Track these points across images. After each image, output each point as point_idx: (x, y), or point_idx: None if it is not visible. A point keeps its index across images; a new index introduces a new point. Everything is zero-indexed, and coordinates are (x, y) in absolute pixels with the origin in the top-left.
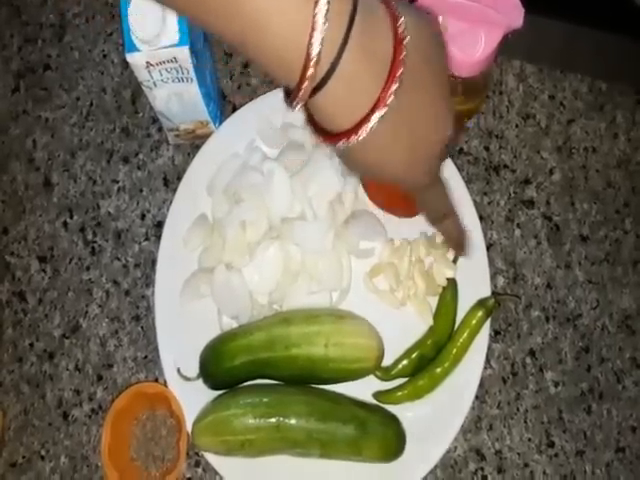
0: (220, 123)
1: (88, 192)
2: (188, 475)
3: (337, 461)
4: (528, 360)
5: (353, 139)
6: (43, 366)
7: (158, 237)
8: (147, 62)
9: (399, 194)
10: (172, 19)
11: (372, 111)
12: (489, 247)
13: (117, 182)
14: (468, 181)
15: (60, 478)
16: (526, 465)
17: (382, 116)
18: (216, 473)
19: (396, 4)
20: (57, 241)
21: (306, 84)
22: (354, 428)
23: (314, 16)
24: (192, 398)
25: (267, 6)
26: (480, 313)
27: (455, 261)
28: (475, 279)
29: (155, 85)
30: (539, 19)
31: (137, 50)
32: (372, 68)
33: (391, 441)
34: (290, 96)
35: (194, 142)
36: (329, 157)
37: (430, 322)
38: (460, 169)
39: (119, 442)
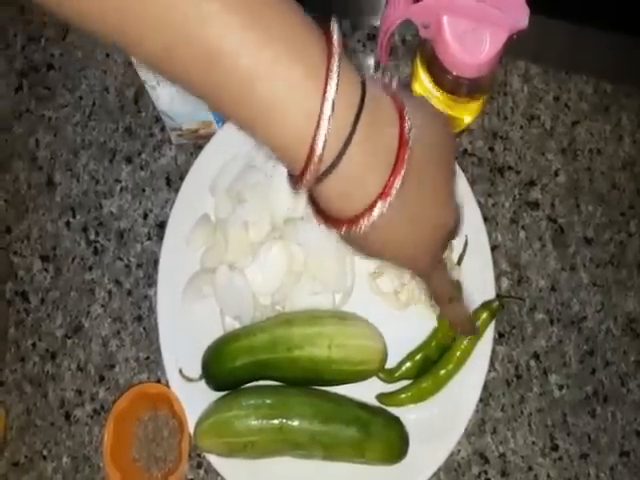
0: (223, 123)
1: (91, 191)
2: (190, 476)
3: (340, 463)
4: (532, 363)
5: (354, 229)
6: (45, 366)
7: (160, 237)
8: None
9: None
10: None
11: (373, 204)
12: (493, 249)
13: (120, 182)
14: (473, 182)
15: (62, 478)
16: (530, 468)
17: (382, 210)
18: (218, 475)
19: (403, 96)
20: (60, 240)
21: (308, 176)
22: (357, 430)
23: (320, 115)
24: (194, 399)
25: (276, 96)
26: (484, 315)
27: (459, 263)
28: (479, 281)
29: (158, 84)
30: (544, 20)
31: None
32: (376, 163)
33: (394, 443)
34: (293, 180)
35: (197, 142)
36: None
37: (434, 324)
38: (465, 170)
39: (121, 443)
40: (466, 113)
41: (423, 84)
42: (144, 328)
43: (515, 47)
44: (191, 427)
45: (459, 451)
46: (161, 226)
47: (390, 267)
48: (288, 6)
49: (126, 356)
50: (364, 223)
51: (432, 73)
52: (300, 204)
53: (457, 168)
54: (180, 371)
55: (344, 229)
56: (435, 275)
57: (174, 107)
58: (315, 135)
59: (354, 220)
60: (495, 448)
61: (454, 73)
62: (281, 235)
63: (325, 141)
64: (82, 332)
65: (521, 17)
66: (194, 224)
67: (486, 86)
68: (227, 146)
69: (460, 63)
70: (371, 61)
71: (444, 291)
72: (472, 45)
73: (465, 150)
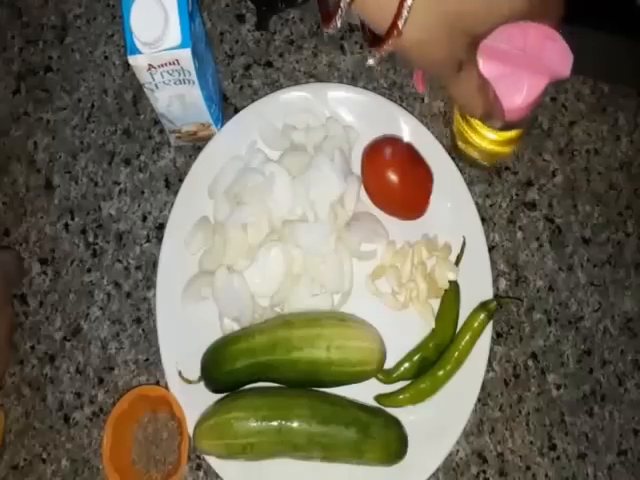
0: (222, 125)
1: (89, 194)
2: (189, 478)
3: (339, 464)
4: (530, 363)
5: (395, 35)
6: (44, 369)
7: (159, 239)
8: (149, 64)
9: (401, 196)
10: (174, 21)
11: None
12: (491, 249)
13: (118, 184)
14: (470, 183)
15: None
16: (528, 468)
17: (410, 5)
18: (217, 476)
19: None
20: (58, 243)
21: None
22: (356, 431)
23: None
24: (193, 401)
25: None
26: (482, 316)
27: (457, 263)
28: (477, 281)
29: (157, 87)
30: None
31: (139, 52)
32: None
33: (393, 444)
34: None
35: (196, 144)
36: (330, 159)
37: (432, 325)
38: (462, 171)
39: (120, 445)
40: (502, 146)
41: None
42: (143, 330)
43: None
44: (190, 429)
45: (458, 451)
46: (160, 228)
47: (388, 266)
48: None
49: (125, 358)
50: (400, 22)
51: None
52: (298, 206)
53: (455, 169)
54: (179, 373)
55: (391, 39)
56: (465, 76)
57: (172, 109)
58: None
59: (393, 26)
60: (493, 448)
61: None
62: (280, 237)
63: None
64: (81, 335)
65: (564, 66)
66: (193, 226)
67: (523, 125)
68: (226, 148)
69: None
70: (371, 61)
71: (474, 99)
72: (507, 90)
73: None
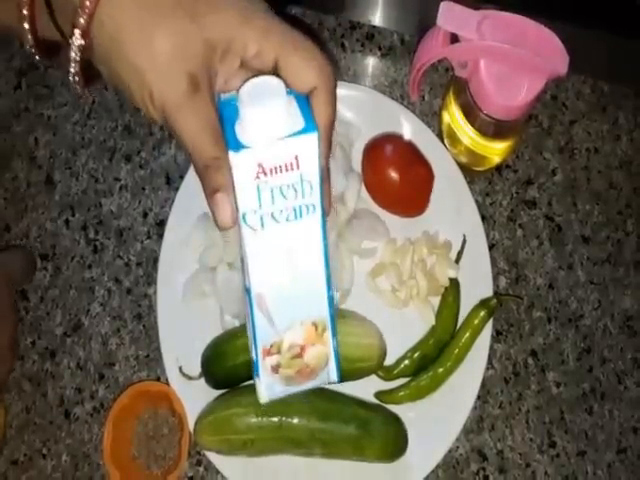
0: None
1: (90, 190)
2: (190, 474)
3: (339, 461)
4: (530, 360)
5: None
6: (45, 364)
7: (160, 235)
8: (259, 165)
9: (401, 194)
10: (292, 105)
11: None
12: (491, 247)
13: (119, 180)
14: (470, 181)
15: (62, 476)
16: (528, 465)
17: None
18: (218, 472)
19: None
20: (59, 239)
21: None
22: (356, 428)
23: None
24: (194, 397)
25: None
26: (482, 313)
27: (457, 261)
28: (477, 279)
29: (262, 224)
30: (541, 21)
31: (245, 147)
32: None
33: (393, 441)
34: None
35: None
36: (332, 157)
37: (432, 322)
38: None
39: (121, 441)
40: (495, 152)
41: (454, 117)
42: (144, 326)
43: None
44: (191, 425)
45: (457, 448)
46: (161, 225)
47: (388, 263)
48: None
49: (126, 354)
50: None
51: (463, 107)
52: None
53: (455, 168)
54: (180, 369)
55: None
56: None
57: (276, 284)
58: None
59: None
60: (493, 445)
61: (485, 112)
62: None
63: None
64: (82, 330)
65: (560, 64)
66: (194, 223)
67: (517, 129)
68: None
69: (494, 104)
70: (370, 61)
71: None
72: (508, 88)
73: None
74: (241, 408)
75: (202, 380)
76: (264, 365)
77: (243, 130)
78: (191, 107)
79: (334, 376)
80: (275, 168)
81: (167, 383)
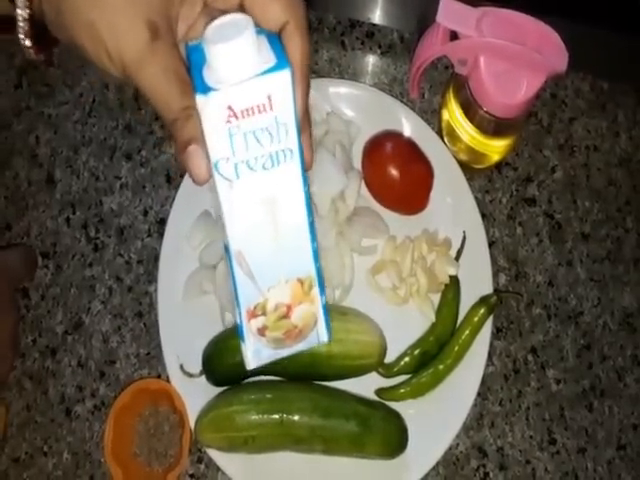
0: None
1: (91, 188)
2: (191, 471)
3: (340, 457)
4: (530, 357)
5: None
6: (46, 362)
7: (161, 234)
8: (229, 108)
9: (402, 191)
10: (262, 44)
11: None
12: (491, 245)
13: (120, 178)
14: (470, 179)
15: (63, 474)
16: (528, 462)
17: None
18: (219, 469)
19: None
20: (60, 237)
21: None
22: (357, 425)
23: None
24: (195, 394)
25: None
26: (482, 310)
27: (457, 258)
28: (477, 276)
29: (237, 175)
30: (541, 18)
31: (213, 89)
32: None
33: (393, 438)
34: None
35: None
36: (332, 154)
37: (432, 319)
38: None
39: (122, 438)
40: (495, 150)
41: (454, 114)
42: (144, 324)
43: None
44: (192, 422)
45: (457, 445)
46: (161, 223)
47: (389, 261)
48: None
49: (127, 352)
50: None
51: (463, 104)
52: None
53: (455, 165)
54: (181, 367)
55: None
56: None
57: (255, 242)
58: None
59: None
60: (493, 442)
61: (485, 109)
62: None
63: None
64: (82, 328)
65: (560, 61)
66: (194, 221)
67: (517, 127)
68: None
69: (493, 102)
70: (370, 58)
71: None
72: (507, 86)
73: None
74: (242, 405)
75: (203, 377)
76: (249, 328)
77: (210, 72)
78: (152, 57)
79: (324, 336)
80: (246, 110)
81: (168, 380)
